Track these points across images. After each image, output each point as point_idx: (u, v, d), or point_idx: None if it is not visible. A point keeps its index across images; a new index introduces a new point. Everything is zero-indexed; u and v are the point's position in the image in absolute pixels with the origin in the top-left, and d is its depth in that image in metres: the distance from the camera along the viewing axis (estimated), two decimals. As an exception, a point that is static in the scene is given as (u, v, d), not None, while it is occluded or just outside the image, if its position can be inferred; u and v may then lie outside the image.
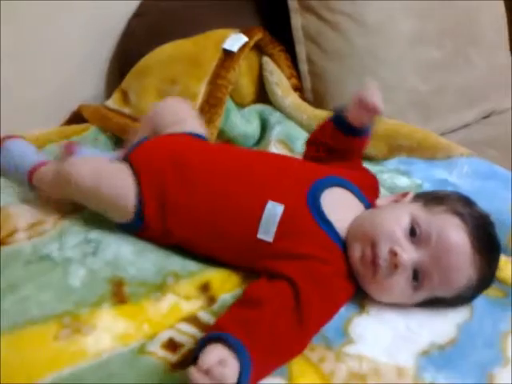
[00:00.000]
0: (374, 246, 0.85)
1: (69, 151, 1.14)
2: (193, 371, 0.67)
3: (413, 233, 0.85)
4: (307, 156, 1.05)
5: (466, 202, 0.90)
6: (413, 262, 0.84)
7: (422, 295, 0.86)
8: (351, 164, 1.01)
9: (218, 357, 0.68)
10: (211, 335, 0.73)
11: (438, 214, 0.86)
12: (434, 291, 0.86)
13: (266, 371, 0.76)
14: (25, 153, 1.11)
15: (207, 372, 0.67)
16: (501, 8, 1.63)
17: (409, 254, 0.84)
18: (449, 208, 0.87)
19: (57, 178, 0.99)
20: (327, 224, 0.88)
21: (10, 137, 1.13)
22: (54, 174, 1.00)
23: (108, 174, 0.95)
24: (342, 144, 0.99)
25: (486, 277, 0.87)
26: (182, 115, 1.10)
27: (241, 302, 0.81)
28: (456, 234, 0.84)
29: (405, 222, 0.85)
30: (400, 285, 0.85)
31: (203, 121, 1.23)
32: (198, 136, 1.07)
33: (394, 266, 0.83)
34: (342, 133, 0.98)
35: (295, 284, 0.82)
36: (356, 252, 0.86)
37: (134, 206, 0.92)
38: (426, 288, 0.85)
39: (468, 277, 0.85)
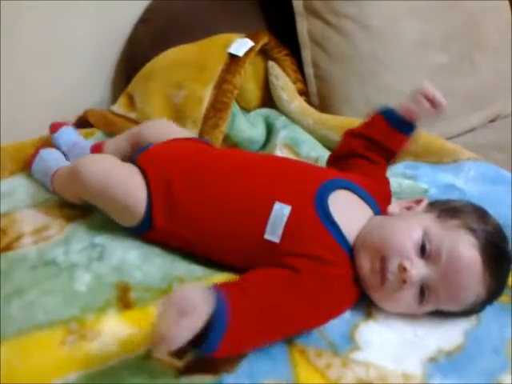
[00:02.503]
0: (383, 258, 0.84)
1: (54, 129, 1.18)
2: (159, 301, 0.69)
3: (423, 248, 0.84)
4: (343, 148, 1.05)
5: (481, 215, 0.88)
6: (421, 277, 0.83)
7: (427, 308, 0.86)
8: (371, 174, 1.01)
9: (187, 289, 0.70)
10: None
11: (450, 229, 0.85)
12: (439, 306, 0.85)
13: (249, 334, 0.76)
14: (58, 160, 1.12)
15: (171, 301, 0.68)
16: (506, 12, 1.63)
17: (418, 269, 0.83)
18: (462, 223, 0.85)
19: (69, 176, 0.99)
20: (334, 226, 0.87)
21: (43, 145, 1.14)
22: (67, 173, 1.01)
23: (118, 175, 0.95)
24: (389, 139, 1.00)
25: (495, 293, 0.87)
26: (171, 130, 1.11)
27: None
28: (468, 253, 0.83)
29: (416, 236, 0.84)
30: (406, 299, 0.84)
31: (208, 125, 1.24)
32: (201, 140, 1.07)
33: (403, 281, 0.82)
34: (393, 127, 1.00)
35: (297, 271, 0.82)
36: (364, 262, 0.86)
37: (143, 208, 0.92)
38: (432, 303, 0.85)
39: (476, 294, 0.84)
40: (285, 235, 0.87)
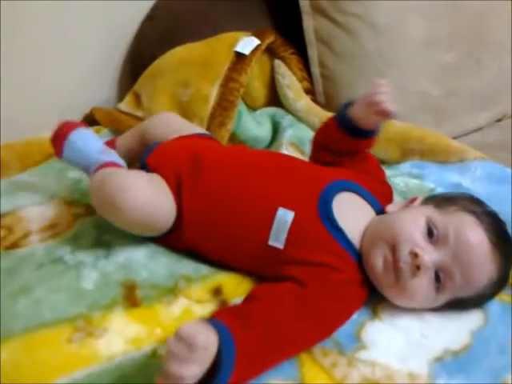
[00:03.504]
0: (394, 250, 0.84)
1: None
2: (168, 339, 0.68)
3: (430, 234, 0.85)
4: (314, 159, 1.04)
5: (476, 201, 0.90)
6: (434, 262, 0.83)
7: (444, 297, 0.86)
8: (365, 166, 1.00)
9: (195, 326, 0.68)
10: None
11: (451, 214, 0.86)
12: (456, 292, 0.85)
13: (263, 361, 0.76)
14: (89, 147, 0.99)
15: (180, 338, 0.67)
16: (512, 10, 1.62)
17: (429, 254, 0.83)
18: (461, 207, 0.87)
19: (101, 200, 0.90)
20: (339, 232, 0.87)
21: (71, 125, 1.01)
22: (99, 195, 0.90)
23: (157, 203, 0.89)
24: (349, 146, 0.98)
25: (505, 273, 0.87)
26: (176, 126, 1.09)
27: (242, 300, 0.82)
28: (474, 232, 0.84)
29: (421, 224, 0.85)
30: (423, 287, 0.84)
31: (214, 124, 1.24)
32: (205, 135, 1.07)
33: (417, 267, 0.82)
34: (349, 135, 0.96)
35: (303, 284, 0.82)
36: (376, 258, 0.85)
37: (170, 225, 0.91)
38: (449, 289, 0.85)
39: (489, 273, 0.84)
40: (289, 241, 0.86)
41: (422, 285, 0.84)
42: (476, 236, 0.84)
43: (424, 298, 0.85)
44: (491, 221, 0.86)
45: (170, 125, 1.09)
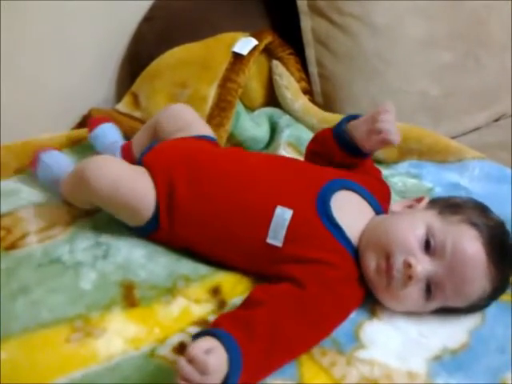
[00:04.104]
0: (388, 256, 0.84)
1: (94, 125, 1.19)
2: (179, 360, 0.67)
3: (428, 243, 0.84)
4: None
5: (482, 210, 0.89)
6: (426, 274, 0.83)
7: (434, 305, 0.86)
8: (362, 167, 1.00)
9: (205, 346, 0.68)
10: (204, 330, 0.74)
11: (453, 224, 0.85)
12: (446, 301, 0.85)
13: (267, 368, 0.76)
14: (61, 164, 1.08)
15: (191, 360, 0.67)
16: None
17: (423, 265, 0.83)
18: (465, 218, 0.85)
19: (76, 182, 0.97)
20: (337, 229, 0.87)
21: (43, 149, 1.10)
22: (74, 179, 0.98)
23: (128, 180, 0.93)
24: (344, 160, 0.97)
25: (500, 287, 0.87)
26: (187, 121, 1.09)
27: (242, 303, 0.82)
28: (472, 247, 0.83)
29: (420, 233, 0.84)
30: (412, 296, 0.84)
31: (213, 124, 1.24)
32: (208, 138, 1.07)
33: (409, 277, 0.82)
34: (346, 152, 0.96)
35: (302, 284, 0.82)
36: (370, 262, 0.85)
37: (152, 210, 0.92)
38: (439, 299, 0.85)
39: (482, 288, 0.84)
40: (287, 239, 0.86)
41: (412, 293, 0.84)
42: (473, 252, 0.83)
43: (413, 305, 0.86)
44: (493, 234, 0.85)
45: (178, 120, 1.09)
